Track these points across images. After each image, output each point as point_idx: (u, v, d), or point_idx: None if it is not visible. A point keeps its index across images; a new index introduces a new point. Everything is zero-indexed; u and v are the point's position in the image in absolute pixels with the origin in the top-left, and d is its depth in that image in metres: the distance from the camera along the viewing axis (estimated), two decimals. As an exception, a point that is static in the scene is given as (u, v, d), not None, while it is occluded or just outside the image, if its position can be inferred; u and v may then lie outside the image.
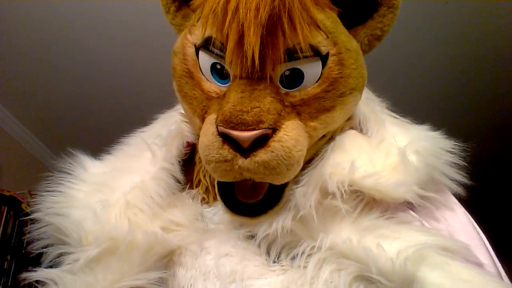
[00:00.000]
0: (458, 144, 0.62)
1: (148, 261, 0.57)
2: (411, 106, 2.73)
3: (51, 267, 0.59)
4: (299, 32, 0.52)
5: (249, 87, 0.53)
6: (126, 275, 0.56)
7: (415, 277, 0.49)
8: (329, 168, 0.58)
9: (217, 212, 0.65)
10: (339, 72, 0.57)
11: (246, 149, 0.51)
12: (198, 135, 0.60)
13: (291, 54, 0.54)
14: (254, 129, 0.50)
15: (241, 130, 0.50)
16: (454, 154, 0.61)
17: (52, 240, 0.61)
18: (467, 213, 0.63)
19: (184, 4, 0.68)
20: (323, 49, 0.55)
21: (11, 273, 2.03)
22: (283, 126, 0.53)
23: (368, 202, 0.58)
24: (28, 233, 0.62)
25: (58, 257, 0.60)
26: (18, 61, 2.12)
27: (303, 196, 0.57)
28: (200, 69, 0.59)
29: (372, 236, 0.53)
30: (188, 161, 0.71)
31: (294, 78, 0.56)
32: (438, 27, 2.03)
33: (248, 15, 0.51)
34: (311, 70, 0.56)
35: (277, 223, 0.56)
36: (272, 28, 0.52)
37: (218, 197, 0.59)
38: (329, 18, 0.57)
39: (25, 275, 0.59)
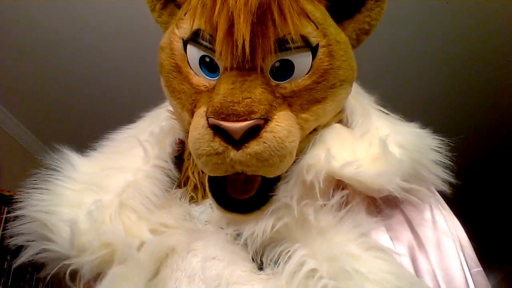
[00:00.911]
0: (445, 142, 0.61)
1: (151, 267, 0.56)
2: (410, 105, 2.73)
3: (30, 262, 0.58)
4: (289, 21, 0.52)
5: (240, 78, 0.52)
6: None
7: None
8: (307, 161, 0.57)
9: (205, 210, 0.64)
10: (329, 63, 0.56)
11: (237, 141, 0.50)
12: (187, 131, 0.59)
13: (282, 45, 0.53)
14: (245, 120, 0.49)
15: (233, 121, 0.49)
16: (441, 152, 0.60)
17: (34, 236, 0.58)
18: (449, 213, 0.62)
19: (170, 1, 0.67)
20: (313, 40, 0.55)
21: (11, 273, 2.03)
22: (275, 116, 0.52)
23: (352, 198, 0.57)
24: (9, 228, 0.59)
25: (38, 253, 0.57)
26: (18, 61, 2.12)
27: (284, 192, 0.56)
28: (188, 63, 0.58)
29: (343, 256, 0.51)
30: (179, 158, 0.70)
31: (285, 70, 0.55)
32: (438, 27, 2.03)
33: (238, 3, 0.50)
34: (302, 61, 0.55)
35: (263, 222, 0.54)
36: (262, 17, 0.51)
37: (209, 194, 0.58)
38: (318, 10, 0.57)
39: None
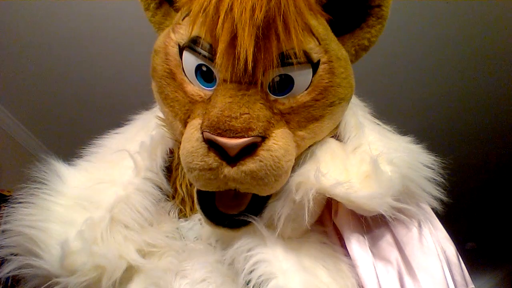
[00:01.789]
0: (437, 160, 0.59)
1: None
2: (410, 105, 2.71)
3: (12, 276, 0.55)
4: (293, 36, 0.50)
5: (238, 92, 0.51)
6: None
7: None
8: (297, 178, 0.55)
9: (194, 226, 0.62)
10: (329, 81, 0.55)
11: (233, 158, 0.48)
12: (178, 141, 0.57)
13: (284, 59, 0.52)
14: (243, 137, 0.48)
15: (229, 137, 0.47)
16: (433, 169, 0.58)
17: (20, 250, 0.55)
18: (438, 228, 0.61)
19: (165, 2, 0.65)
20: (315, 56, 0.54)
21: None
22: (273, 134, 0.51)
23: (341, 210, 0.56)
24: None
25: (21, 268, 0.55)
26: (18, 61, 2.12)
27: (273, 210, 0.54)
28: (183, 70, 0.56)
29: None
30: (168, 169, 0.67)
31: (284, 85, 0.54)
32: (438, 27, 2.02)
33: (243, 15, 0.48)
34: (302, 77, 0.54)
35: (247, 240, 0.53)
36: (266, 31, 0.50)
37: (197, 207, 0.56)
38: (321, 25, 0.56)
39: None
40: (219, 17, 0.50)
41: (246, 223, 0.54)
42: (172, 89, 0.57)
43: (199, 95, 0.55)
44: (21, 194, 0.59)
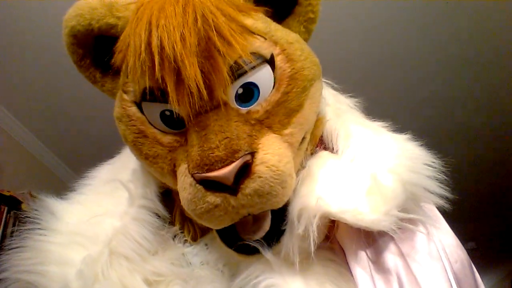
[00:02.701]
0: (437, 158, 0.58)
1: None
2: (410, 106, 2.70)
3: None
4: (234, 45, 0.48)
5: (208, 121, 0.49)
6: None
7: None
8: (298, 205, 0.54)
9: (199, 251, 0.61)
10: (292, 68, 0.53)
11: (232, 186, 0.47)
12: (175, 190, 0.55)
13: (237, 71, 0.50)
14: (231, 162, 0.46)
15: (219, 168, 0.46)
16: (434, 167, 0.57)
17: None
18: (444, 231, 0.59)
19: (108, 68, 0.61)
20: (266, 52, 0.52)
21: (11, 273, 2.03)
22: (260, 145, 0.49)
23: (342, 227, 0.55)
24: None
25: None
26: (19, 63, 2.12)
27: (286, 246, 0.53)
28: (151, 123, 0.55)
29: None
30: (166, 194, 0.65)
31: (249, 93, 0.52)
32: (438, 27, 2.02)
33: (176, 48, 0.47)
34: (263, 78, 0.52)
35: (257, 266, 0.53)
36: (206, 52, 0.48)
37: (222, 244, 0.54)
38: (258, 20, 0.54)
39: None
40: (155, 62, 0.48)
41: (277, 241, 0.54)
42: (149, 146, 0.55)
43: (175, 140, 0.54)
44: (14, 239, 0.57)
